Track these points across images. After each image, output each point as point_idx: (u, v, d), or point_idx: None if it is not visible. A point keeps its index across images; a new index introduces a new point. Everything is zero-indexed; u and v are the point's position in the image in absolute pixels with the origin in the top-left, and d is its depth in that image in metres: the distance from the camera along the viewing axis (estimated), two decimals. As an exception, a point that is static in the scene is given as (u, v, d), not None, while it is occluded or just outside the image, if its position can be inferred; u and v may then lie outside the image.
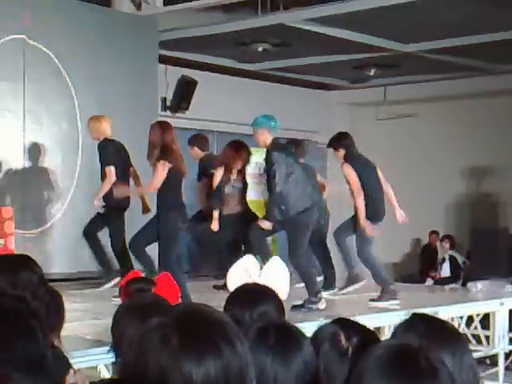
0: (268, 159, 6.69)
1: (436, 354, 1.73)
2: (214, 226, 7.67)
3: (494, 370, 7.55)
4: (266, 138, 6.79)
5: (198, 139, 8.43)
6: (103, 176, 7.29)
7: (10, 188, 8.37)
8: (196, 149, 8.31)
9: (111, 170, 7.26)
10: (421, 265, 12.84)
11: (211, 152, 8.81)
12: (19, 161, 8.46)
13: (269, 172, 6.66)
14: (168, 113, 11.52)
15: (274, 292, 2.67)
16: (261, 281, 2.87)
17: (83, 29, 9.06)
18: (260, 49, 11.02)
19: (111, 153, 7.37)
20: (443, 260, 11.86)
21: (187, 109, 11.63)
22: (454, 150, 13.24)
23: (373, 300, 7.09)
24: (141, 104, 9.53)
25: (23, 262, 2.72)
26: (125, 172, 7.43)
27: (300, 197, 6.62)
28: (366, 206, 7.17)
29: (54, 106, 8.74)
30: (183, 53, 11.38)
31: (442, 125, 13.45)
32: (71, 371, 2.19)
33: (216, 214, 7.69)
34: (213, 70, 12.04)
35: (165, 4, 9.65)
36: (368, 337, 2.19)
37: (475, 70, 12.20)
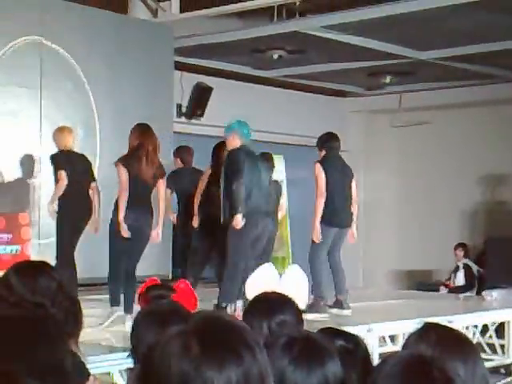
0: (228, 158, 6.82)
1: (449, 365, 1.75)
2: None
3: (509, 379, 7.51)
4: (236, 143, 6.87)
5: (181, 151, 8.67)
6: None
7: (27, 195, 8.42)
8: (178, 160, 8.60)
9: (61, 173, 7.15)
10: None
11: (191, 167, 8.76)
12: (36, 167, 8.51)
13: (226, 170, 6.76)
14: (183, 119, 11.57)
15: (292, 301, 2.67)
16: (279, 289, 2.86)
17: (100, 36, 9.12)
18: (275, 56, 11.04)
19: (61, 162, 7.31)
20: (457, 268, 11.81)
21: (202, 115, 11.67)
22: (468, 157, 13.20)
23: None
24: (156, 110, 9.57)
25: (42, 269, 2.74)
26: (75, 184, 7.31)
27: (249, 201, 6.72)
28: (326, 209, 7.11)
29: (70, 112, 8.79)
30: (199, 59, 11.42)
31: (457, 132, 13.42)
32: (91, 378, 2.21)
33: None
34: (228, 77, 12.07)
35: (181, 11, 9.70)
36: (352, 343, 2.21)
37: (491, 77, 12.17)
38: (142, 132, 6.76)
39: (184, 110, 11.58)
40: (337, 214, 7.22)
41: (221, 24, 9.95)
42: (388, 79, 12.37)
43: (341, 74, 12.34)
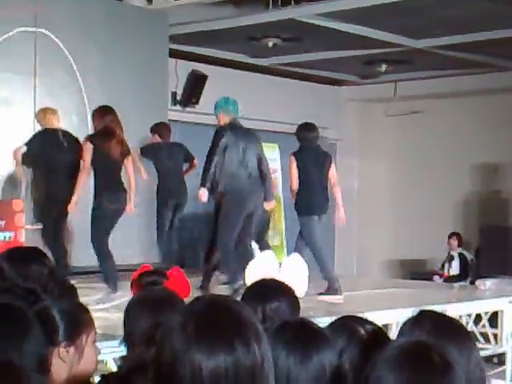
0: (215, 133, 7.01)
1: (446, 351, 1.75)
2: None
3: (502, 368, 7.53)
4: (225, 121, 6.94)
5: (159, 127, 8.75)
6: None
7: (20, 181, 8.39)
8: (156, 136, 8.65)
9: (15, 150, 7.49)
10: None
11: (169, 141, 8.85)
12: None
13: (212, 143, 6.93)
14: (178, 107, 11.54)
15: (289, 288, 2.66)
16: (279, 277, 2.86)
17: (94, 22, 9.07)
18: (271, 43, 11.00)
19: (32, 139, 7.59)
20: (452, 258, 11.83)
21: (197, 103, 11.64)
22: (464, 146, 13.21)
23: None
24: (151, 98, 9.54)
25: (34, 255, 2.74)
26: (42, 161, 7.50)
27: (231, 176, 6.80)
28: (305, 200, 7.17)
29: (64, 100, 8.75)
30: (193, 47, 11.38)
31: (452, 121, 13.42)
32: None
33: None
34: (223, 65, 12.03)
35: (176, -2, 9.66)
36: (378, 330, 2.20)
37: (486, 66, 12.16)
38: (106, 113, 7.13)
39: (179, 97, 11.54)
40: (315, 204, 7.26)
41: (216, 11, 9.91)
42: (383, 68, 12.34)
43: (336, 63, 12.31)
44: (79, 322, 2.19)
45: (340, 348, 2.07)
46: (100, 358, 4.64)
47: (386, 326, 6.15)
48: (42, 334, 1.88)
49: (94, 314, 5.85)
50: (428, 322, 2.14)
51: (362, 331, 2.15)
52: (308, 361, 1.91)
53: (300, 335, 1.97)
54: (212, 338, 1.41)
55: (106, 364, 4.73)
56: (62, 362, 2.12)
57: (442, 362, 1.63)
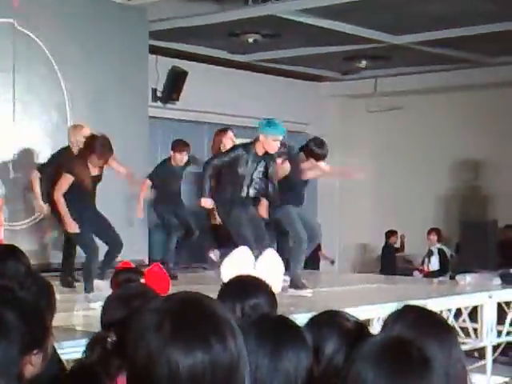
0: None
1: (426, 347, 1.74)
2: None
3: (482, 362, 7.57)
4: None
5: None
6: None
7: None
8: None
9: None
10: (381, 266, 12.98)
11: None
12: (8, 150, 8.42)
13: None
14: (158, 103, 11.50)
15: (266, 284, 2.65)
16: (254, 272, 2.84)
17: (73, 18, 9.01)
18: (251, 40, 10.98)
19: None
20: (431, 253, 11.89)
21: (177, 100, 11.61)
22: (444, 142, 13.27)
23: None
24: (131, 95, 9.49)
25: (11, 252, 2.71)
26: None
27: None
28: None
29: (43, 95, 8.70)
30: (174, 43, 11.34)
31: (433, 117, 13.48)
32: None
33: None
34: (203, 61, 12.00)
35: (155, -6, 9.60)
36: (360, 325, 2.19)
37: (466, 62, 12.21)
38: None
39: (159, 94, 11.51)
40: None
41: (196, 7, 9.87)
42: (363, 64, 12.36)
43: (316, 59, 12.32)
44: (47, 326, 2.17)
45: (332, 346, 2.06)
46: (80, 355, 4.64)
47: (367, 321, 6.17)
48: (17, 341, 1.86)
49: (76, 312, 5.81)
50: (411, 316, 2.15)
51: (351, 327, 2.14)
52: (277, 359, 1.87)
53: (273, 330, 1.93)
54: (188, 336, 1.39)
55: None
56: (31, 368, 2.11)
57: (420, 357, 1.63)
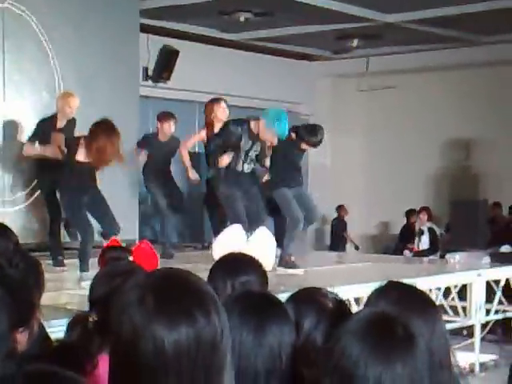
0: None
1: (410, 322, 1.76)
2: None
3: (470, 340, 7.64)
4: None
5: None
6: None
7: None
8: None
9: None
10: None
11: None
12: (-1, 130, 8.39)
13: None
14: (149, 82, 11.47)
15: (257, 262, 2.65)
16: (246, 250, 2.85)
17: (64, -4, 8.95)
18: (242, 18, 10.95)
19: None
20: (422, 232, 11.94)
21: (169, 79, 11.57)
22: (435, 121, 13.28)
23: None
24: (122, 73, 9.44)
25: (-1, 230, 2.72)
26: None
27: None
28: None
29: (34, 75, 8.64)
30: (165, 22, 11.29)
31: (424, 96, 13.48)
32: None
33: None
34: (195, 40, 11.96)
35: (146, -28, 9.56)
36: (342, 302, 2.21)
37: (458, 40, 12.20)
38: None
39: (150, 73, 11.47)
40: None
41: (187, -14, 9.83)
42: (355, 42, 12.33)
43: (308, 38, 12.29)
44: (34, 304, 2.18)
45: (310, 322, 2.08)
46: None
47: (357, 299, 6.22)
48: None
49: (65, 291, 5.82)
50: (394, 292, 2.16)
51: (330, 304, 2.15)
52: (261, 334, 1.88)
53: (256, 306, 1.95)
54: (172, 310, 1.40)
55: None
56: (17, 345, 2.12)
57: (404, 333, 1.64)
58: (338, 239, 13.50)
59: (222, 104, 8.09)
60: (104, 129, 6.39)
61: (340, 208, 13.65)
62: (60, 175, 6.67)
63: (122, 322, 1.41)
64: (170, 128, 8.15)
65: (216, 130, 7.70)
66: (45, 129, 7.35)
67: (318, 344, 2.03)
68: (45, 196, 7.59)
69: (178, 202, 8.26)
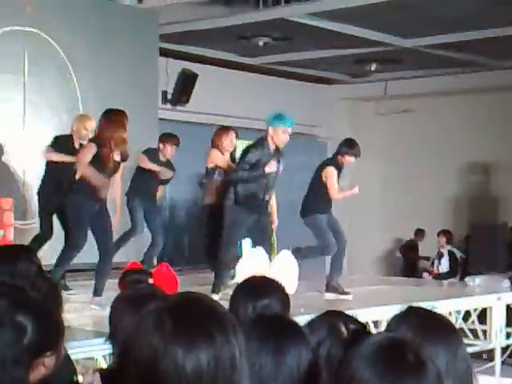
0: None
1: (430, 348, 1.74)
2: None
3: (491, 364, 7.56)
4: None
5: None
6: None
7: (9, 179, 8.38)
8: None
9: None
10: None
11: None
12: (19, 152, 8.46)
13: None
14: (168, 105, 11.54)
15: (279, 285, 2.66)
16: (269, 274, 2.86)
17: (84, 21, 9.05)
18: (261, 43, 11.01)
19: None
20: (441, 255, 11.88)
21: (187, 102, 11.65)
22: (453, 145, 13.25)
23: None
24: (141, 97, 9.53)
25: (22, 253, 2.74)
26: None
27: None
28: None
29: (54, 97, 8.74)
30: (184, 46, 11.38)
31: (442, 120, 13.46)
32: (90, 370, 2.20)
33: None
34: (214, 64, 12.04)
35: (166, -3, 9.65)
36: (361, 328, 2.21)
37: (475, 65, 12.20)
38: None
39: (169, 96, 11.55)
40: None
41: (206, 10, 9.91)
42: (374, 67, 12.37)
43: (327, 62, 12.33)
44: (61, 328, 2.19)
45: (317, 342, 2.08)
46: (90, 355, 4.69)
47: (375, 322, 6.19)
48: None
49: (85, 312, 5.85)
50: (415, 317, 2.15)
51: (343, 329, 2.15)
52: (280, 356, 1.89)
53: (273, 329, 1.96)
54: (191, 331, 1.41)
55: (97, 361, 4.74)
56: (44, 369, 2.13)
57: (415, 360, 1.62)
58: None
59: (232, 135, 7.76)
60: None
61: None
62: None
63: (141, 343, 1.42)
64: (172, 152, 7.89)
65: (220, 158, 7.57)
66: (62, 143, 7.32)
67: (319, 368, 2.03)
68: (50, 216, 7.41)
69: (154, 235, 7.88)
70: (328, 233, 7.17)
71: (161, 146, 7.94)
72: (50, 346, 2.02)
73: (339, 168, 7.35)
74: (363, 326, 2.23)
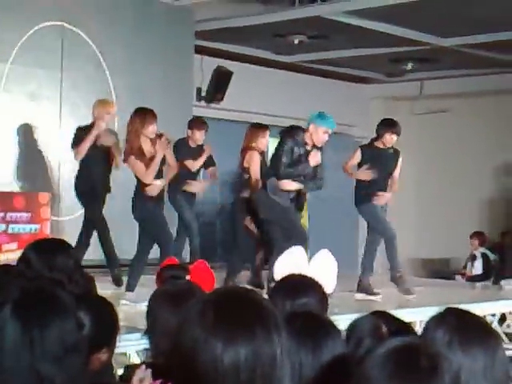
0: None
1: (467, 351, 1.72)
2: None
3: (526, 368, 7.46)
4: None
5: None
6: None
7: (46, 174, 8.47)
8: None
9: None
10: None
11: None
12: (56, 148, 8.55)
13: None
14: (203, 103, 11.56)
15: (318, 284, 2.66)
16: (308, 272, 2.86)
17: (121, 18, 9.12)
18: (296, 41, 10.99)
19: None
20: (474, 257, 11.76)
21: (222, 99, 11.66)
22: (489, 145, 13.11)
23: None
24: (176, 94, 9.57)
25: (60, 246, 2.76)
26: None
27: None
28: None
29: (90, 93, 8.79)
30: (219, 43, 11.40)
31: (478, 120, 13.32)
32: (142, 366, 2.20)
33: None
34: (248, 61, 12.04)
35: (202, -6, 9.67)
36: (405, 328, 2.20)
37: (512, 65, 12.07)
38: None
39: (204, 93, 11.57)
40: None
41: (242, 8, 9.91)
42: (409, 66, 12.29)
43: (362, 60, 12.27)
44: (116, 325, 2.21)
45: (357, 340, 2.08)
46: (123, 350, 4.70)
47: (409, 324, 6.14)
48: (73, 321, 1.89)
49: (118, 307, 5.89)
50: (453, 319, 2.13)
51: (385, 328, 2.14)
52: (319, 353, 1.91)
53: (308, 328, 1.97)
54: (232, 324, 1.40)
55: (129, 357, 4.76)
56: (99, 365, 2.15)
57: (429, 366, 1.60)
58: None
59: (267, 134, 7.70)
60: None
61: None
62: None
63: (184, 333, 1.42)
64: (202, 137, 7.77)
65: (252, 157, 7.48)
66: (83, 136, 7.27)
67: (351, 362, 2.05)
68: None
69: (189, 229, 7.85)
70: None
71: (189, 132, 7.82)
72: (105, 343, 2.05)
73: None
74: (407, 327, 2.21)
